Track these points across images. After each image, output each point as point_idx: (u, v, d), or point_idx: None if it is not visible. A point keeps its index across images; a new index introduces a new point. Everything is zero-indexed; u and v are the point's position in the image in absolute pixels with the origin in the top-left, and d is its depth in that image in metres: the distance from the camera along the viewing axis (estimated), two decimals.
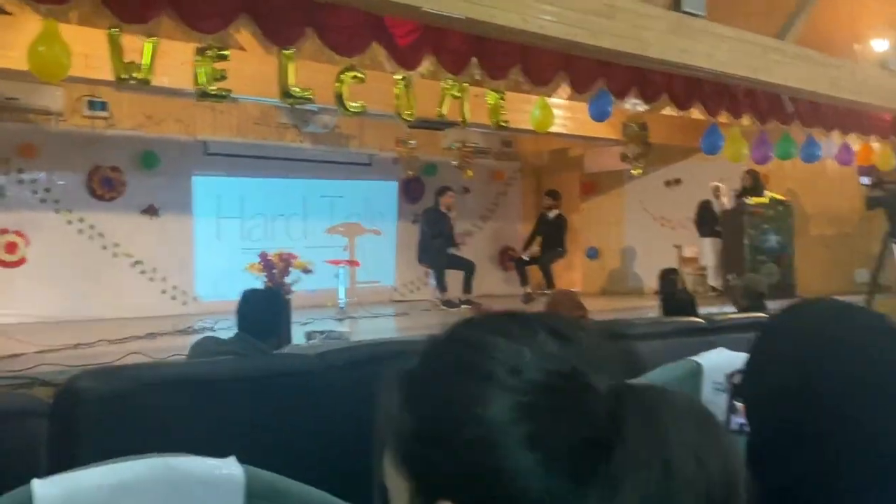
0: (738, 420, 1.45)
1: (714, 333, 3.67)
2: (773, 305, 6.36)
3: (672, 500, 0.58)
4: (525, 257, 10.03)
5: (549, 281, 9.81)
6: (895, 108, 8.43)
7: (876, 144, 8.81)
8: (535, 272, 10.23)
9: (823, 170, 9.73)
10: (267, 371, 2.35)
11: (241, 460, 1.33)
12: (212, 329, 6.51)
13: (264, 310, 3.04)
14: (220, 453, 1.28)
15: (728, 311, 5.90)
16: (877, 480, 0.89)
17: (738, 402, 1.41)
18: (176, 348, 4.73)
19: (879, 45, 8.75)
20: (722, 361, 2.24)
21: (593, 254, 12.00)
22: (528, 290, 9.82)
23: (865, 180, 6.79)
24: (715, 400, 2.04)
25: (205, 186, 9.44)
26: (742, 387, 1.15)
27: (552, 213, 10.19)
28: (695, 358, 2.19)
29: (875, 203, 6.46)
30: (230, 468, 1.28)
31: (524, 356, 0.64)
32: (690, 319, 3.90)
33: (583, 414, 0.61)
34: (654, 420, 0.60)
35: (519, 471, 0.60)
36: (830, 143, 8.49)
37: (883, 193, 6.44)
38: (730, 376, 1.50)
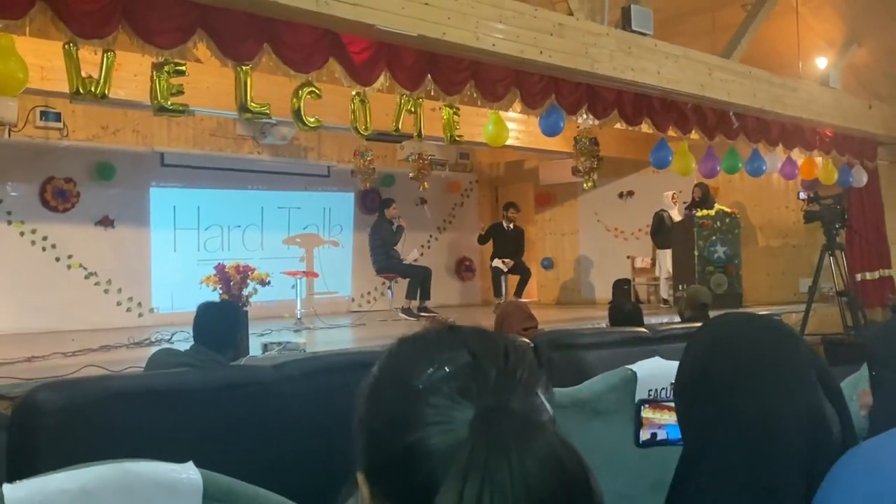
0: (649, 430, 1.58)
1: (657, 343, 3.81)
2: (720, 314, 6.59)
3: None
4: (503, 268, 10.17)
5: (522, 291, 10.00)
6: (836, 124, 8.76)
7: (818, 159, 9.13)
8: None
9: (769, 183, 10.06)
10: (223, 382, 2.42)
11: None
12: (168, 341, 6.52)
13: (221, 322, 3.10)
14: (179, 463, 1.36)
15: (674, 320, 6.09)
16: (749, 449, 1.06)
17: (645, 416, 1.55)
18: (132, 360, 4.74)
19: (821, 63, 9.09)
20: (656, 370, 2.38)
21: (548, 264, 12.20)
22: (500, 301, 9.97)
23: (803, 195, 7.06)
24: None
25: (161, 198, 9.42)
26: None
27: (510, 225, 10.35)
28: (630, 367, 2.33)
29: (812, 217, 6.74)
30: (188, 472, 1.36)
31: (437, 375, 0.73)
32: (635, 329, 4.04)
33: (448, 430, 0.70)
34: (493, 447, 0.67)
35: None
36: (775, 157, 8.79)
37: (819, 208, 6.71)
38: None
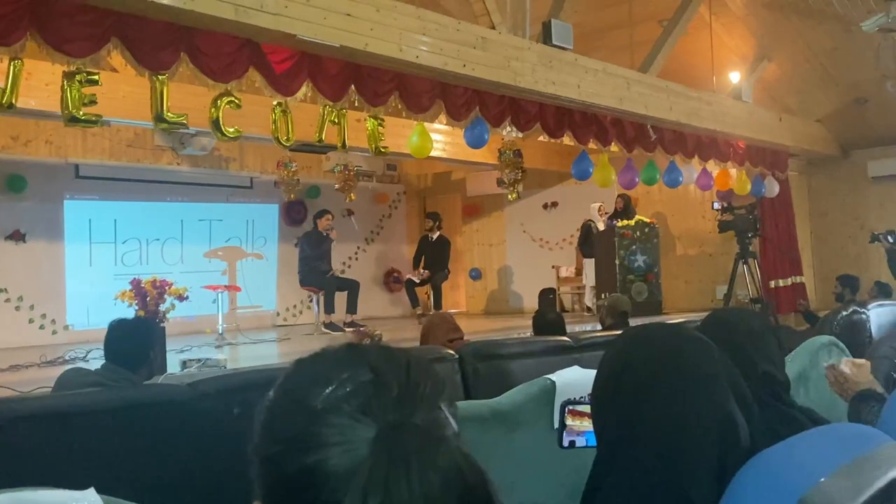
0: (570, 437, 1.60)
1: (579, 351, 3.87)
2: (640, 321, 6.74)
3: None
4: (416, 279, 10.16)
5: (439, 301, 9.99)
6: (749, 137, 9.08)
7: (733, 170, 9.45)
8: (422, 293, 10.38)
9: (687, 194, 10.36)
10: (134, 402, 2.34)
11: (111, 493, 1.36)
12: (83, 359, 6.28)
13: (132, 339, 3.00)
14: (87, 487, 1.30)
15: (597, 329, 6.19)
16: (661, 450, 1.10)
17: (567, 422, 1.57)
18: (43, 380, 4.54)
19: (734, 78, 9.43)
20: (575, 379, 2.41)
21: (476, 275, 12.28)
22: (419, 310, 9.97)
23: (717, 205, 7.29)
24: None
25: (76, 211, 9.10)
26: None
27: (434, 235, 10.37)
28: (550, 376, 2.35)
29: (726, 226, 6.97)
30: (88, 499, 1.30)
31: (337, 394, 0.72)
32: (558, 339, 4.09)
33: (348, 450, 0.69)
34: (394, 463, 0.67)
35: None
36: (691, 168, 9.05)
37: (732, 218, 6.94)
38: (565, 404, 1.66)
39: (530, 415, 2.16)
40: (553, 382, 2.26)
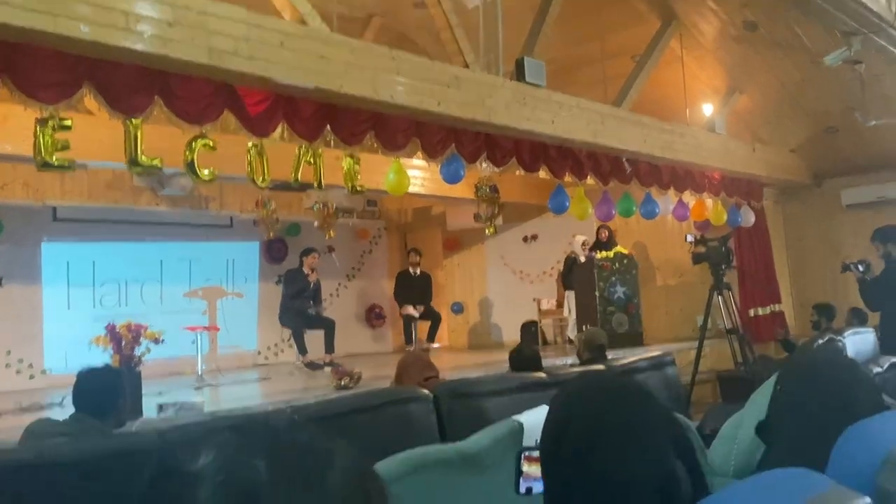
0: (526, 483, 1.60)
1: (554, 387, 3.88)
2: (621, 354, 6.76)
3: None
4: (415, 314, 10.17)
5: (433, 335, 10.00)
6: (723, 168, 9.20)
7: (708, 201, 9.56)
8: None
9: (664, 224, 10.46)
10: (101, 453, 2.32)
11: None
12: (60, 404, 6.20)
13: (100, 389, 2.98)
14: None
15: (575, 363, 6.20)
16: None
17: (524, 469, 1.57)
18: (19, 427, 4.49)
19: (707, 110, 9.57)
20: (543, 419, 2.42)
21: (458, 309, 12.28)
22: (411, 348, 9.96)
23: (690, 238, 7.38)
24: None
25: (54, 253, 9.06)
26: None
27: (416, 271, 10.39)
28: (517, 417, 2.36)
29: (699, 258, 7.05)
30: None
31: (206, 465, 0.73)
32: (533, 375, 4.10)
33: None
34: None
35: None
36: (667, 200, 9.15)
37: (705, 249, 7.02)
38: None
39: (497, 457, 2.16)
40: (521, 424, 2.27)
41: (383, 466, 1.94)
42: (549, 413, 1.28)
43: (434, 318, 10.14)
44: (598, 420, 1.20)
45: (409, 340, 10.21)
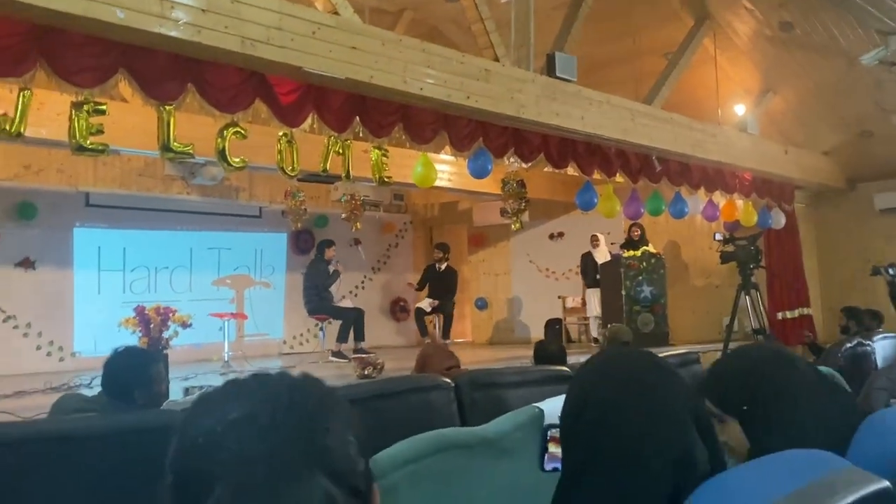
0: (552, 462, 1.61)
1: None
2: None
3: None
4: (427, 308, 10.19)
5: (448, 330, 10.01)
6: (755, 168, 9.10)
7: (739, 201, 9.46)
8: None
9: (693, 225, 10.37)
10: (126, 427, 2.36)
11: None
12: (88, 385, 6.31)
13: (128, 368, 3.02)
14: None
15: None
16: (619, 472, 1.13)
17: (550, 447, 1.58)
18: (47, 406, 4.57)
19: (739, 110, 9.47)
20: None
21: (482, 304, 12.28)
22: (428, 340, 9.96)
23: (719, 236, 7.29)
24: None
25: (85, 238, 9.19)
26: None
27: (442, 266, 10.41)
28: (538, 404, 2.36)
29: (728, 258, 6.96)
30: None
31: (218, 428, 0.76)
32: (556, 368, 4.09)
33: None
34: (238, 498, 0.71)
35: None
36: (697, 199, 9.07)
37: (734, 249, 6.94)
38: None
39: (517, 443, 2.17)
40: (541, 411, 2.27)
41: (402, 447, 1.96)
42: (571, 387, 1.28)
43: (445, 314, 10.11)
44: (617, 392, 1.20)
45: (422, 333, 10.20)
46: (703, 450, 1.14)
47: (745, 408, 1.44)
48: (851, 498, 0.96)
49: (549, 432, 1.65)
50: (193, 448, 0.76)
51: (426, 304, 10.27)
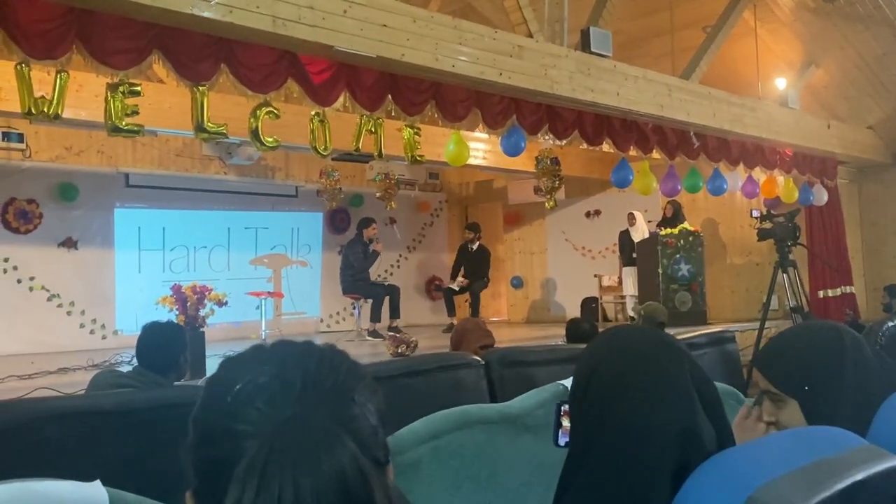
0: (565, 437, 1.61)
1: None
2: (682, 331, 6.65)
3: None
4: (455, 287, 10.20)
5: (476, 310, 9.99)
6: (796, 144, 8.91)
7: (780, 178, 9.28)
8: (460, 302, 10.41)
9: (732, 202, 10.20)
10: (158, 402, 2.41)
11: (133, 491, 1.40)
12: (129, 363, 6.46)
13: (162, 344, 3.08)
14: (112, 484, 1.35)
15: None
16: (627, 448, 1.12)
17: (563, 422, 1.58)
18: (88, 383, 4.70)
19: (780, 84, 9.26)
20: None
21: (518, 283, 12.26)
22: (454, 320, 9.98)
23: (756, 213, 7.16)
24: None
25: (126, 218, 9.36)
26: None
27: (474, 245, 10.40)
28: (562, 381, 2.36)
29: (765, 235, 6.83)
30: (94, 491, 1.35)
31: (246, 390, 0.76)
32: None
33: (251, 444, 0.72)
34: (273, 460, 0.70)
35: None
36: (736, 176, 8.91)
37: (771, 225, 6.81)
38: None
39: (540, 419, 2.17)
40: (565, 387, 2.26)
41: (425, 423, 1.97)
42: (579, 363, 1.28)
43: (473, 294, 10.09)
44: (622, 367, 1.20)
45: (450, 312, 10.19)
46: (709, 427, 1.13)
47: (805, 388, 1.39)
48: (863, 474, 0.94)
49: (562, 407, 1.65)
50: (221, 407, 0.76)
51: (455, 282, 10.28)
